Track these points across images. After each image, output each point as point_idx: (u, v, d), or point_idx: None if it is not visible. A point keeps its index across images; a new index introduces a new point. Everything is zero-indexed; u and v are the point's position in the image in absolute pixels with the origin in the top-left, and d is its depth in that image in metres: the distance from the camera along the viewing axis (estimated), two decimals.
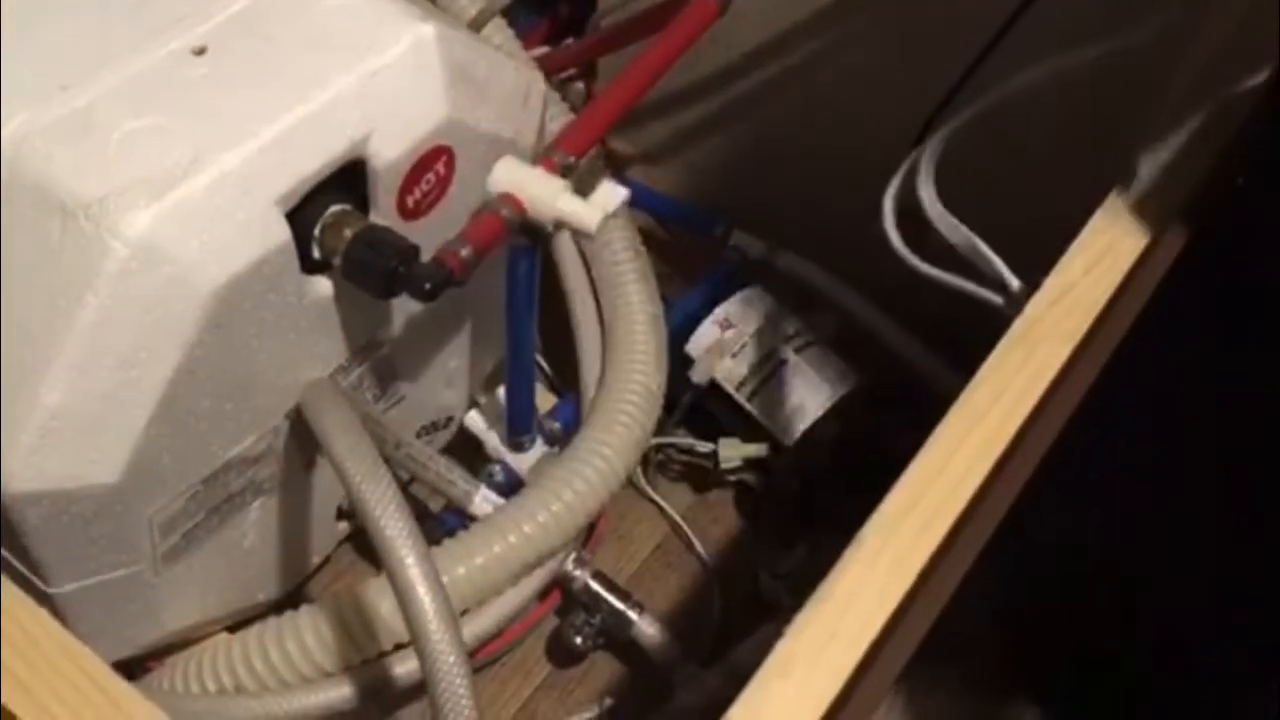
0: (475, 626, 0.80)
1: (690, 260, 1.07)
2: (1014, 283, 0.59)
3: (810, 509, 0.92)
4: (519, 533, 0.78)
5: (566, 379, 0.98)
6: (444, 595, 0.61)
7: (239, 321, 0.64)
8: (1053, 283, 0.52)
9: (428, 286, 0.66)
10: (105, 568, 0.68)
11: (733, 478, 0.95)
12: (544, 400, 0.95)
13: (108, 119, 0.62)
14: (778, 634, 0.87)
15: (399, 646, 0.77)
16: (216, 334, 0.63)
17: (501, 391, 0.89)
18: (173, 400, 0.63)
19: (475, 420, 0.92)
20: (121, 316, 0.59)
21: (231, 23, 0.66)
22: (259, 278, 0.64)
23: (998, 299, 0.59)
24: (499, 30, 0.89)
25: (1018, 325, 0.53)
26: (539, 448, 0.90)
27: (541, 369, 1.01)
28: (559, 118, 0.88)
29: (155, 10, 0.66)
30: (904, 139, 0.76)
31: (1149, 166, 0.57)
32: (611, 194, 0.73)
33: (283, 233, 0.64)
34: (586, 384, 0.92)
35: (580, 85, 1.09)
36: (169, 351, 0.62)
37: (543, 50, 1.03)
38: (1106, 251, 0.54)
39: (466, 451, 0.94)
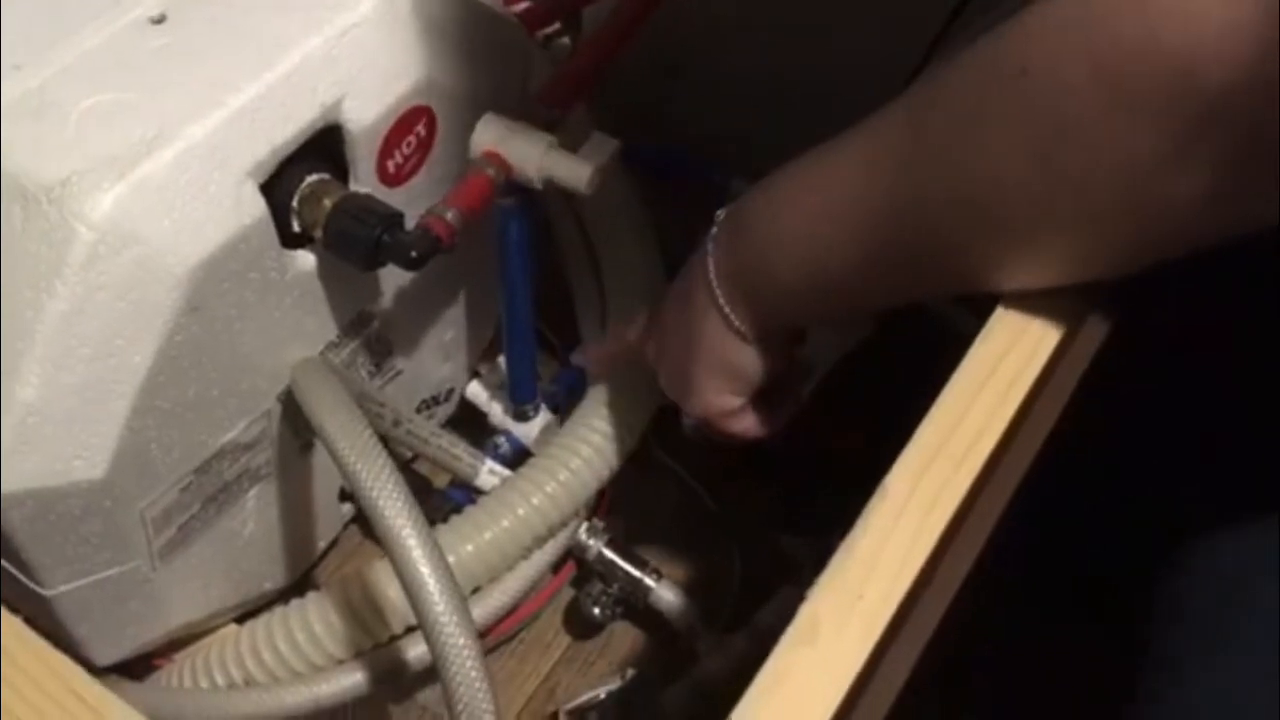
0: (489, 604, 0.77)
1: (687, 210, 1.03)
2: None
3: (828, 463, 0.89)
4: (527, 505, 0.75)
5: (567, 340, 0.94)
6: (450, 577, 0.58)
7: (218, 302, 0.61)
8: None
9: (414, 255, 0.63)
10: (100, 566, 0.65)
11: None
12: (547, 367, 0.92)
13: (64, 97, 0.58)
14: (798, 595, 0.85)
15: (411, 629, 0.75)
16: (195, 317, 0.60)
17: (502, 360, 0.86)
18: (155, 389, 0.60)
19: (477, 391, 0.89)
20: (93, 304, 0.56)
21: None
22: (236, 255, 0.61)
23: None
24: None
25: None
26: (544, 415, 0.87)
27: (542, 333, 0.97)
28: (544, 72, 0.85)
29: None
30: (912, 59, 0.73)
31: None
32: (601, 146, 0.70)
33: (258, 206, 0.61)
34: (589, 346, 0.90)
35: (566, 40, 1.05)
36: (147, 338, 0.59)
37: (525, 4, 0.99)
38: None
39: (471, 424, 0.91)
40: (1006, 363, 0.47)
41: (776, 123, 1.03)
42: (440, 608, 0.57)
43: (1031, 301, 0.48)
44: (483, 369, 0.91)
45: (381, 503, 0.60)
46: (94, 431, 0.59)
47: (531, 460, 0.78)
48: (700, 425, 0.72)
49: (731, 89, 1.05)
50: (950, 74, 0.44)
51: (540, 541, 0.77)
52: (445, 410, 0.89)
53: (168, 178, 0.57)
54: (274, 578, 0.81)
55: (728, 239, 0.60)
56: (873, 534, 0.42)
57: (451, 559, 0.72)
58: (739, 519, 0.92)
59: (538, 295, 0.79)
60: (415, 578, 0.58)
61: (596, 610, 0.84)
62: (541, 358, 0.89)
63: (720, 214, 0.61)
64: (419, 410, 0.86)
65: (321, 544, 0.84)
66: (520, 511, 0.75)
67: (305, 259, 0.66)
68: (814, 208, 0.52)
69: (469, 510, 0.75)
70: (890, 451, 0.47)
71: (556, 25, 1.02)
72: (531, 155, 0.67)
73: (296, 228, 0.64)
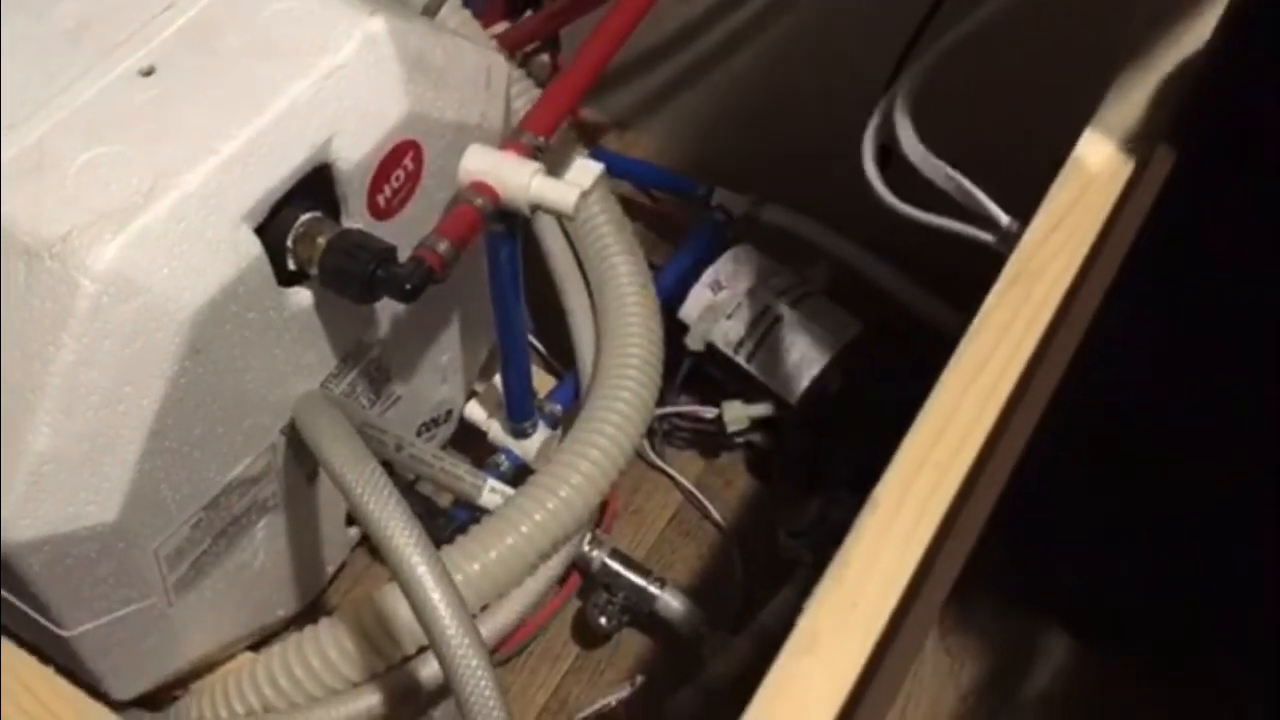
0: (498, 620, 0.79)
1: (674, 223, 1.06)
2: (1003, 219, 0.58)
3: (821, 463, 0.91)
4: (530, 522, 0.77)
5: (563, 358, 0.96)
6: (458, 599, 0.60)
7: (220, 344, 0.63)
8: (1041, 221, 0.51)
9: (408, 287, 0.65)
10: (117, 605, 0.67)
11: (740, 440, 0.94)
12: (543, 383, 0.94)
13: (61, 153, 0.60)
14: (796, 596, 0.87)
15: (423, 649, 0.76)
16: (199, 360, 0.62)
17: (499, 380, 0.88)
18: (163, 431, 0.62)
19: (475, 411, 0.91)
20: (100, 353, 0.58)
21: (177, 39, 0.65)
22: (235, 297, 0.62)
23: (989, 237, 0.58)
24: (454, 12, 0.87)
25: (1012, 265, 0.51)
26: (542, 432, 0.89)
27: (537, 351, 0.99)
28: (525, 94, 0.86)
29: (96, 36, 0.64)
30: (881, 74, 0.75)
31: (1128, 85, 0.55)
32: (585, 170, 0.72)
33: (254, 249, 0.63)
34: (584, 361, 0.91)
35: (545, 58, 1.07)
36: (153, 383, 0.60)
37: (503, 26, 1.01)
38: (1093, 180, 0.52)
39: (471, 442, 0.93)
40: (990, 367, 0.48)
41: (756, 136, 1.06)
42: (450, 629, 0.59)
43: (1014, 297, 0.50)
44: (480, 388, 0.92)
45: (388, 530, 0.61)
46: (106, 476, 0.61)
47: (532, 478, 0.80)
48: None
49: (711, 105, 1.07)
50: None
51: (545, 557, 0.78)
52: (445, 431, 0.91)
53: (165, 227, 0.59)
54: (286, 605, 0.82)
55: None
56: (865, 545, 0.44)
57: (459, 578, 0.74)
58: (738, 522, 0.94)
59: (532, 314, 0.81)
60: (424, 601, 0.60)
61: (603, 620, 0.85)
62: (538, 374, 0.90)
63: None
64: (419, 433, 0.88)
65: (330, 568, 0.86)
66: (524, 528, 0.76)
67: (302, 296, 0.68)
68: None
69: (474, 529, 0.77)
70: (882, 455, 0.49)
71: (534, 44, 1.04)
72: (519, 184, 0.68)
73: (292, 266, 0.66)
